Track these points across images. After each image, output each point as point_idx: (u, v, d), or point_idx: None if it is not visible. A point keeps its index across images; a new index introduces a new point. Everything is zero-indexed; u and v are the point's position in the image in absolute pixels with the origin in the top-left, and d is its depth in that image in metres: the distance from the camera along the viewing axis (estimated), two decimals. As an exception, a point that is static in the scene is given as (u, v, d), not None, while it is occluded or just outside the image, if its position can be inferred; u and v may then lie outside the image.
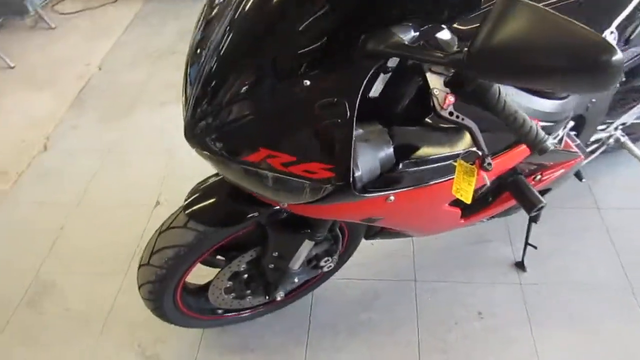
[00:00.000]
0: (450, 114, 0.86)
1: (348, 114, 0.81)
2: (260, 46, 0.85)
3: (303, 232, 1.24)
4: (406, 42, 0.77)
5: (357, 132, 0.91)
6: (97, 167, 2.38)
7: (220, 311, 1.54)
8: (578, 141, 1.34)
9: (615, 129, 1.65)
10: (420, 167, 0.97)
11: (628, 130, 1.71)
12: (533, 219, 1.70)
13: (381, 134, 0.93)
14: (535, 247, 1.74)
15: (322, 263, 1.44)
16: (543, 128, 1.15)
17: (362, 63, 0.80)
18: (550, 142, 0.87)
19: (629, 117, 1.61)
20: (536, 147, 0.87)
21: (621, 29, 1.13)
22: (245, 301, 1.52)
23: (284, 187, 0.90)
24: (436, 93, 0.86)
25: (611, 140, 1.68)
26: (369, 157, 0.90)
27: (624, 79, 1.42)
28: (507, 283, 1.77)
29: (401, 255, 1.89)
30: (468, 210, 1.30)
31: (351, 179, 0.85)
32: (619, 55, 0.59)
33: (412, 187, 0.98)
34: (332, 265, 1.48)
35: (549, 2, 1.06)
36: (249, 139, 0.88)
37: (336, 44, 0.81)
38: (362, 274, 1.84)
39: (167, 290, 1.32)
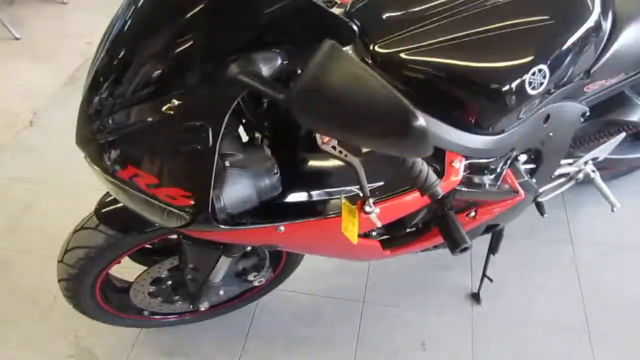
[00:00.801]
0: (334, 147, 0.79)
1: (211, 141, 0.75)
2: (135, 60, 0.79)
3: (216, 248, 1.19)
4: (265, 71, 0.71)
5: (237, 157, 0.85)
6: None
7: (146, 312, 1.51)
8: (526, 178, 1.24)
9: (585, 163, 1.52)
10: (309, 200, 0.90)
11: (602, 165, 1.58)
12: (491, 250, 1.62)
13: (265, 162, 0.87)
14: (490, 280, 1.65)
15: (250, 277, 1.39)
16: (472, 165, 1.07)
17: (224, 89, 0.73)
18: (439, 188, 0.79)
19: (600, 152, 1.49)
20: (425, 191, 0.79)
21: (570, 63, 1.02)
22: (176, 306, 1.49)
23: (151, 210, 0.85)
24: None
25: (580, 175, 1.55)
26: (243, 186, 0.84)
27: (587, 114, 1.30)
28: (459, 315, 1.68)
29: (355, 272, 1.81)
30: (394, 242, 1.22)
31: (209, 210, 0.79)
32: (419, 122, 0.52)
33: (300, 220, 0.91)
34: (263, 280, 1.43)
35: (488, 29, 0.96)
36: (120, 155, 0.84)
37: (203, 65, 0.75)
38: (310, 288, 1.78)
39: (82, 288, 1.29)
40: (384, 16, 0.97)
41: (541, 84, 0.94)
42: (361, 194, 0.81)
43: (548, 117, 1.20)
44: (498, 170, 1.15)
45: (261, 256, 1.36)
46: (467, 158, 1.03)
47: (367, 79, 0.57)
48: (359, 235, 1.13)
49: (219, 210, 0.82)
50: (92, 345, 1.66)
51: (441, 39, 0.93)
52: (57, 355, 1.64)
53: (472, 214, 1.20)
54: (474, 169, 1.10)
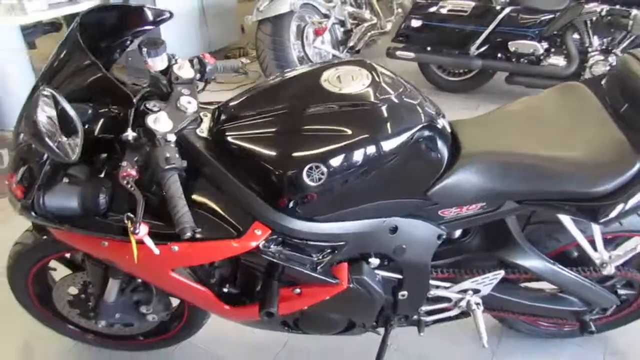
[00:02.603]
0: (127, 182, 1.09)
1: (44, 159, 1.12)
2: None
3: (99, 266, 1.49)
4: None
5: (75, 176, 1.19)
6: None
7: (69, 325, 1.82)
8: (365, 276, 1.37)
9: (464, 292, 1.57)
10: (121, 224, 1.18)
11: (491, 303, 1.61)
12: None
13: (96, 183, 1.19)
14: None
15: (143, 310, 1.64)
16: (290, 243, 1.27)
17: None
18: (190, 230, 1.04)
19: (476, 285, 1.53)
20: (177, 228, 1.05)
21: (357, 170, 1.20)
22: (91, 323, 1.77)
23: (11, 201, 1.21)
24: (123, 165, 1.11)
25: (463, 304, 1.59)
26: (67, 197, 1.16)
27: (444, 236, 1.42)
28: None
29: (268, 351, 1.95)
30: (239, 301, 1.42)
31: (30, 203, 1.13)
32: (42, 140, 0.89)
33: (116, 238, 1.20)
34: (156, 317, 1.66)
35: (293, 128, 1.22)
36: (12, 165, 1.24)
37: None
38: (216, 350, 1.95)
39: (16, 279, 1.66)
40: (231, 110, 1.29)
41: (319, 179, 1.16)
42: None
43: (396, 228, 1.36)
44: (322, 255, 1.33)
45: (152, 291, 1.62)
46: (275, 232, 1.25)
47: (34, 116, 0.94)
48: (196, 279, 1.37)
49: (37, 205, 1.15)
50: (36, 345, 1.98)
51: (258, 131, 1.21)
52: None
53: (298, 290, 1.36)
54: (294, 247, 1.30)
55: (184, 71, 1.30)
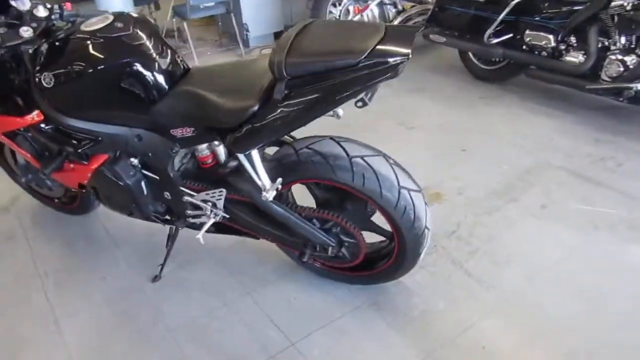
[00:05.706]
0: None
1: None
2: None
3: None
4: None
5: None
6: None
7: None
8: (115, 167, 1.93)
9: (206, 202, 1.99)
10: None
11: (234, 218, 2.01)
12: (166, 244, 2.26)
13: None
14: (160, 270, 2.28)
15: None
16: (59, 128, 1.94)
17: None
18: None
19: (211, 198, 1.91)
20: None
21: (86, 88, 1.80)
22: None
23: None
24: None
25: (208, 212, 1.99)
26: None
27: (176, 150, 1.90)
28: (135, 282, 2.33)
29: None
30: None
31: None
32: None
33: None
34: (50, 183, 2.46)
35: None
36: None
37: None
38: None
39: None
40: (49, 41, 1.94)
41: (49, 83, 1.77)
42: None
43: (141, 137, 1.91)
44: (84, 142, 1.92)
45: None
46: (46, 119, 1.91)
47: None
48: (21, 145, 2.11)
49: None
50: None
51: (41, 53, 1.87)
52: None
53: (72, 166, 2.00)
54: (63, 132, 1.93)
55: (39, 12, 2.01)
